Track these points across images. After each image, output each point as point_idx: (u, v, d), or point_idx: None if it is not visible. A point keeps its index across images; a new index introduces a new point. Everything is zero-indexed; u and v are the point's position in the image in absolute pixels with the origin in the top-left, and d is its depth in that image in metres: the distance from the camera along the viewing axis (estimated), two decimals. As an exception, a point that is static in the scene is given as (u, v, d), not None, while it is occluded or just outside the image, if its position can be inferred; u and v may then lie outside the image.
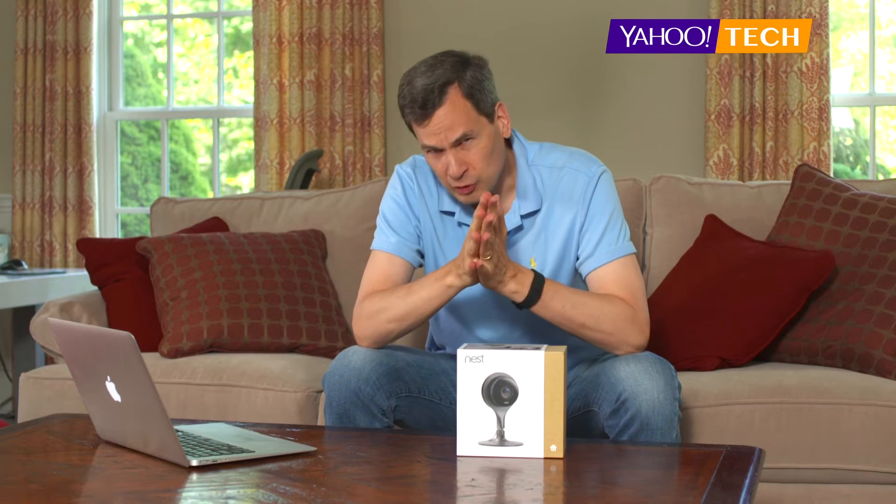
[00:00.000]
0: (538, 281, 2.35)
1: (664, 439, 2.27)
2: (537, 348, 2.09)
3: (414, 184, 2.59)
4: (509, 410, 2.08)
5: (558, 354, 2.06)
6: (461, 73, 2.40)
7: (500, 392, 2.08)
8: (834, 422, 2.67)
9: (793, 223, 3.14)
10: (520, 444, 2.07)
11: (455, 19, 4.74)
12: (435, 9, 4.78)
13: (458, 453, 2.09)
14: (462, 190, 2.44)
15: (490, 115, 2.44)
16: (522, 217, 2.52)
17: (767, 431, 2.68)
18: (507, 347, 2.10)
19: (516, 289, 2.35)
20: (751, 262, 3.05)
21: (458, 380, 2.09)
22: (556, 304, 2.36)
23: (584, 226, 2.50)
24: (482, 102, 2.41)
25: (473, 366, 2.08)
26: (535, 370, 2.06)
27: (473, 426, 2.08)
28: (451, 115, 2.38)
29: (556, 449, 2.06)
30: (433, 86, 2.37)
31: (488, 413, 2.08)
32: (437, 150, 2.42)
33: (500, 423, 2.08)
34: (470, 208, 2.53)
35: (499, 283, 2.33)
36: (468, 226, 2.53)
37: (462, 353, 2.08)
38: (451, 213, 2.56)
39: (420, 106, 2.38)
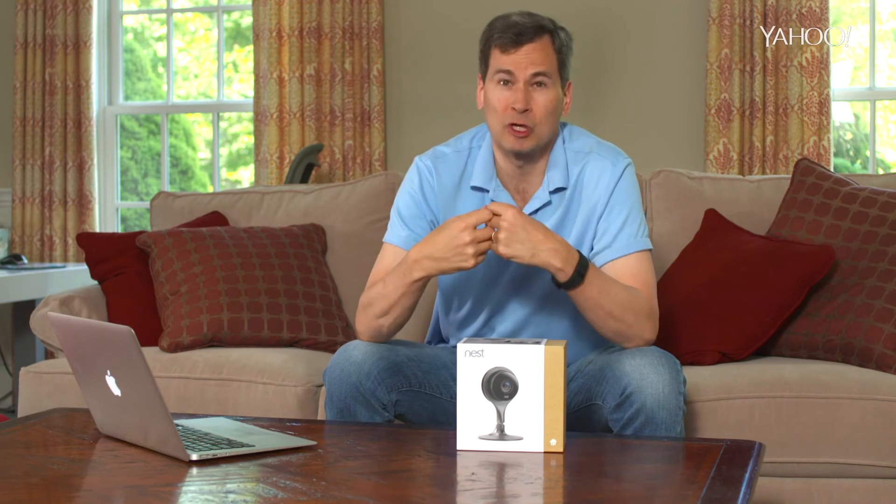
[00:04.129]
0: (582, 263, 2.33)
1: (669, 433, 2.27)
2: (537, 342, 2.09)
3: (433, 177, 2.58)
4: (509, 404, 2.08)
5: (558, 349, 2.06)
6: (557, 29, 2.49)
7: (500, 386, 2.08)
8: (834, 416, 2.67)
9: (793, 217, 3.14)
10: (520, 439, 2.07)
11: (455, 13, 4.73)
12: (434, 3, 4.78)
13: (458, 447, 2.09)
14: (518, 130, 2.43)
15: (564, 82, 2.49)
16: (551, 193, 2.52)
17: (767, 425, 2.68)
18: (507, 342, 2.10)
19: (562, 266, 2.31)
20: (751, 257, 3.05)
21: (457, 374, 2.09)
22: (594, 290, 2.34)
23: (603, 214, 2.50)
24: (563, 66, 2.48)
25: (473, 360, 2.08)
26: (535, 364, 2.06)
27: (473, 420, 2.08)
28: (539, 52, 2.43)
29: (556, 443, 2.06)
30: (531, 24, 2.44)
31: (488, 407, 2.08)
32: (508, 83, 2.43)
33: (500, 417, 2.08)
34: (503, 189, 2.53)
35: (541, 256, 2.29)
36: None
37: (462, 348, 2.08)
38: (485, 191, 2.55)
39: (515, 33, 2.42)
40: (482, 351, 2.07)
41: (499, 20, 2.47)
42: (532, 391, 2.07)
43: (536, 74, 2.42)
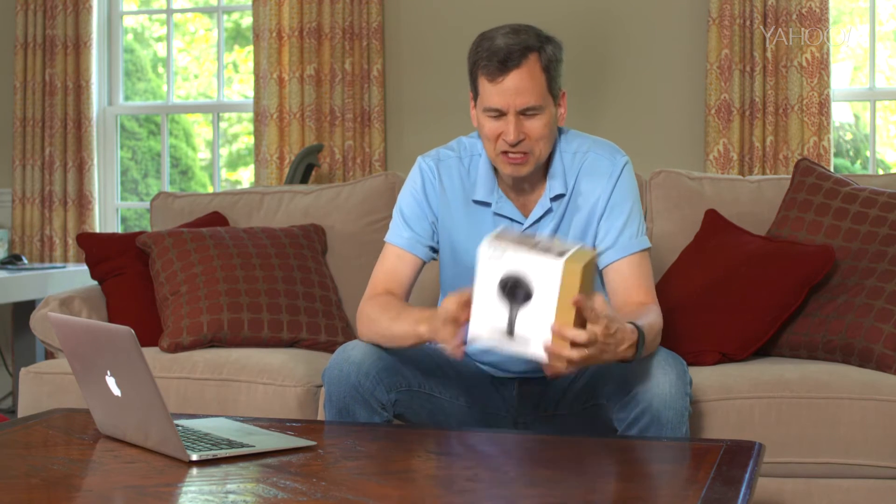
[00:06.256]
0: (640, 341, 2.20)
1: (674, 434, 2.26)
2: (561, 254, 2.02)
3: (436, 179, 2.57)
4: (522, 310, 2.04)
5: (576, 266, 2.00)
6: (543, 44, 2.40)
7: (515, 290, 2.04)
8: (834, 416, 2.67)
9: (793, 218, 3.14)
10: (527, 342, 2.04)
11: (455, 14, 4.74)
12: (435, 3, 4.78)
13: (468, 339, 2.07)
14: (513, 158, 2.40)
15: (555, 98, 2.43)
16: (551, 200, 2.51)
17: (767, 426, 2.68)
18: (535, 244, 2.04)
19: (625, 355, 2.18)
20: (751, 257, 3.05)
21: (477, 270, 2.05)
22: (645, 352, 2.25)
23: (604, 214, 2.49)
24: (553, 81, 2.41)
25: (494, 261, 2.05)
26: (552, 277, 2.01)
27: (486, 317, 2.06)
28: (527, 80, 2.36)
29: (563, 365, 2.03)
30: (516, 46, 2.36)
31: (502, 307, 2.05)
32: (498, 114, 2.39)
33: (512, 319, 2.04)
34: (506, 199, 2.52)
35: (611, 359, 2.16)
36: (505, 217, 2.51)
37: (485, 245, 2.05)
38: (487, 204, 2.53)
39: (500, 60, 2.35)
40: (503, 253, 2.03)
41: (485, 41, 2.40)
42: (545, 302, 2.01)
43: (524, 110, 2.37)
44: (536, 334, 2.03)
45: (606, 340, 2.07)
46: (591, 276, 2.06)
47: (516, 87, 2.36)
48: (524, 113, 2.38)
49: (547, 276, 2.01)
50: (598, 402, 2.38)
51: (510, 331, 2.05)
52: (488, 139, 2.43)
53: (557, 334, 2.02)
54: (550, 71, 2.40)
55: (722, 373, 2.81)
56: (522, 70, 2.36)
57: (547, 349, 2.04)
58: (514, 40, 2.37)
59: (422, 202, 2.56)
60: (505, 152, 2.41)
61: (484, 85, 2.40)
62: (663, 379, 2.26)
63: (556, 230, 2.51)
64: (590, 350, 2.05)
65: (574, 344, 2.03)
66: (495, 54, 2.36)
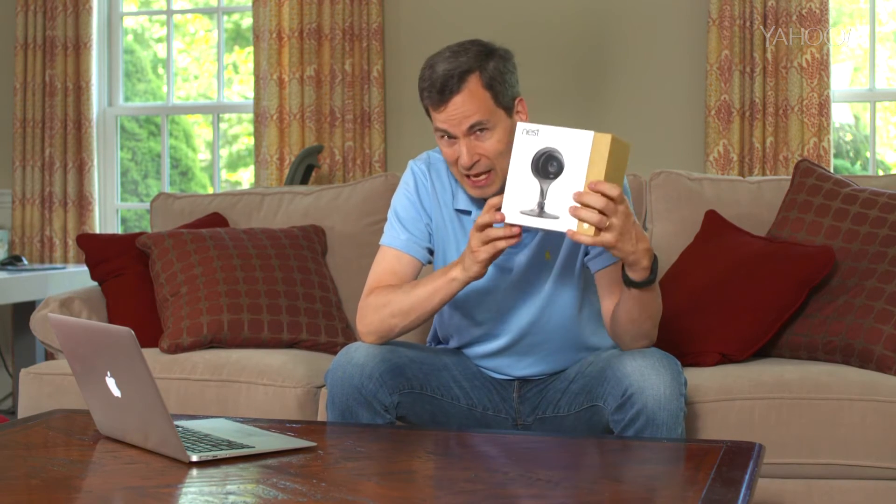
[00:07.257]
0: (656, 262, 2.27)
1: (669, 435, 2.27)
2: (587, 131, 2.12)
3: (427, 181, 2.57)
4: (553, 184, 2.13)
5: (605, 137, 2.09)
6: (484, 62, 2.39)
7: (547, 165, 2.12)
8: (834, 417, 2.67)
9: (793, 219, 3.14)
10: (556, 218, 2.12)
11: (455, 15, 4.74)
12: (434, 4, 4.78)
13: (505, 219, 2.16)
14: (476, 181, 2.42)
15: (509, 109, 2.42)
16: None
17: (767, 427, 2.68)
18: (562, 126, 2.13)
19: (648, 265, 2.23)
20: (751, 258, 3.05)
21: (513, 150, 2.14)
22: (656, 289, 2.32)
23: None
24: (501, 95, 2.40)
25: (529, 138, 2.13)
26: (582, 149, 2.09)
27: (519, 196, 2.14)
28: (468, 103, 2.37)
29: (588, 227, 2.11)
30: (453, 72, 2.36)
31: (534, 184, 2.13)
32: (451, 137, 2.40)
33: (543, 195, 2.12)
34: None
35: (631, 253, 2.19)
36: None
37: (520, 126, 2.13)
38: (468, 213, 2.54)
39: (438, 91, 2.37)
40: (538, 131, 2.11)
41: (426, 70, 2.41)
42: (576, 173, 2.10)
43: (472, 127, 2.38)
44: (566, 207, 2.12)
45: (629, 220, 2.13)
46: (621, 160, 2.15)
47: (458, 111, 2.37)
48: (474, 132, 2.38)
49: (578, 147, 2.10)
50: (594, 404, 2.38)
51: (541, 206, 2.14)
52: (449, 163, 2.45)
53: (591, 186, 2.10)
54: (495, 87, 2.39)
55: (722, 373, 2.81)
56: (462, 94, 2.37)
57: (574, 214, 2.11)
58: (453, 65, 2.37)
59: (416, 204, 2.57)
60: (467, 175, 2.42)
61: (431, 112, 2.42)
62: (658, 381, 2.26)
63: (543, 238, 2.51)
64: (617, 217, 2.10)
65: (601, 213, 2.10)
66: (433, 84, 2.37)
